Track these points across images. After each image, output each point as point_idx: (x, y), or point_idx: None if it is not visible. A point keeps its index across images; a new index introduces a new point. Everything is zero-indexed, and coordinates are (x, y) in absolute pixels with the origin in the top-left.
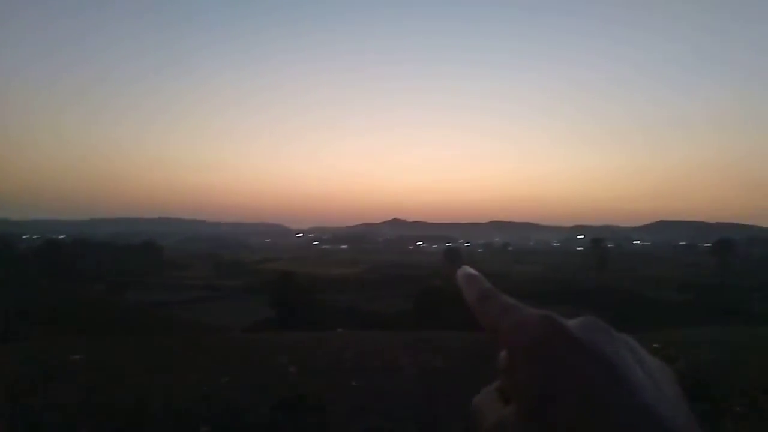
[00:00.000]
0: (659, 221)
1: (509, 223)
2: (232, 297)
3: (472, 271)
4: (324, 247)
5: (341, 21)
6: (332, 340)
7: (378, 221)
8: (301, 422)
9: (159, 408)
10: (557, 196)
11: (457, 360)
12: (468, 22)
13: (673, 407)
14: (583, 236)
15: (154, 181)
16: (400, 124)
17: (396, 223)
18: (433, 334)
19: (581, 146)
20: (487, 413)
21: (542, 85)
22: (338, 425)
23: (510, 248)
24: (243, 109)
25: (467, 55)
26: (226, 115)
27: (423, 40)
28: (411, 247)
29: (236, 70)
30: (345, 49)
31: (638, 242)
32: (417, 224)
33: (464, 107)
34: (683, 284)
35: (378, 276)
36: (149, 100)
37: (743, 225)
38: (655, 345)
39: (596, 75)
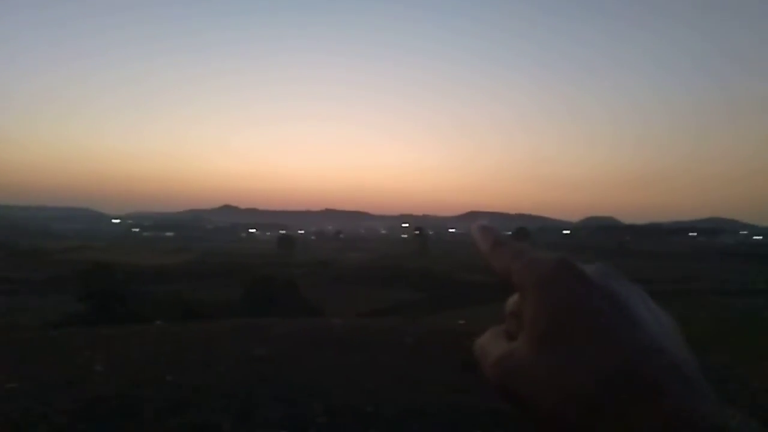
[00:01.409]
0: (471, 212)
1: (342, 211)
2: (31, 291)
3: (486, 222)
4: (146, 234)
5: (164, 3)
6: (149, 334)
7: (208, 207)
8: (103, 425)
9: None
10: (386, 187)
11: (281, 347)
12: (304, 13)
13: (678, 348)
14: (407, 225)
15: None
16: (233, 108)
17: (227, 209)
18: (259, 322)
19: (408, 141)
20: (491, 349)
21: (373, 81)
22: (148, 424)
23: (342, 236)
24: (42, 75)
25: (302, 43)
26: (18, 81)
27: (258, 24)
28: (243, 235)
29: (39, 34)
30: (172, 21)
31: (453, 230)
32: (250, 211)
33: (299, 95)
34: (488, 267)
35: (206, 265)
36: None
37: (536, 216)
38: (460, 321)
39: (423, 76)
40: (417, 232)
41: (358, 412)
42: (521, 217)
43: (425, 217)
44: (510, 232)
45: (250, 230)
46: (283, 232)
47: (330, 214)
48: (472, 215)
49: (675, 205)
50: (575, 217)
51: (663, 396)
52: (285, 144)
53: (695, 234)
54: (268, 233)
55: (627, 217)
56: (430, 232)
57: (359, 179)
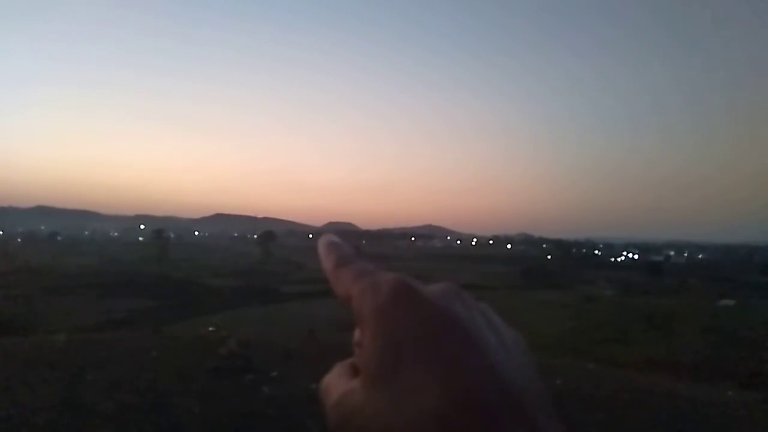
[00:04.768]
0: (217, 214)
1: (60, 209)
2: None
3: (334, 238)
4: None
5: None
6: None
7: None
8: None
9: None
10: (119, 185)
11: None
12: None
13: (521, 372)
14: (145, 227)
15: None
16: None
17: None
18: None
19: (151, 137)
20: (333, 389)
21: (110, 65)
22: None
23: (60, 238)
24: None
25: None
26: None
27: None
28: None
29: None
30: None
31: (198, 233)
32: None
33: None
34: (235, 271)
35: None
36: None
37: (283, 220)
38: (210, 328)
39: (169, 68)
40: (156, 234)
41: None
42: (268, 220)
43: (168, 219)
44: (256, 235)
45: None
46: None
47: (43, 211)
48: (219, 217)
49: (400, 213)
50: (319, 221)
51: (498, 429)
52: None
53: (414, 239)
54: None
55: (363, 223)
56: (172, 235)
57: (85, 174)
